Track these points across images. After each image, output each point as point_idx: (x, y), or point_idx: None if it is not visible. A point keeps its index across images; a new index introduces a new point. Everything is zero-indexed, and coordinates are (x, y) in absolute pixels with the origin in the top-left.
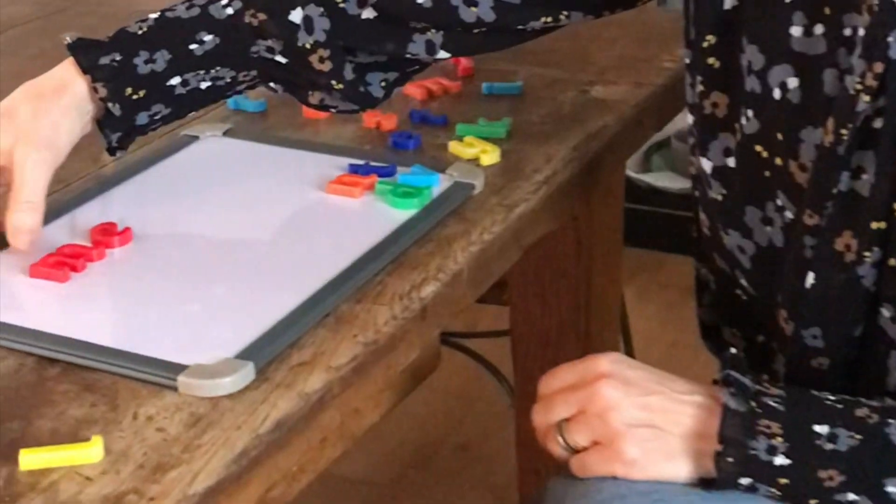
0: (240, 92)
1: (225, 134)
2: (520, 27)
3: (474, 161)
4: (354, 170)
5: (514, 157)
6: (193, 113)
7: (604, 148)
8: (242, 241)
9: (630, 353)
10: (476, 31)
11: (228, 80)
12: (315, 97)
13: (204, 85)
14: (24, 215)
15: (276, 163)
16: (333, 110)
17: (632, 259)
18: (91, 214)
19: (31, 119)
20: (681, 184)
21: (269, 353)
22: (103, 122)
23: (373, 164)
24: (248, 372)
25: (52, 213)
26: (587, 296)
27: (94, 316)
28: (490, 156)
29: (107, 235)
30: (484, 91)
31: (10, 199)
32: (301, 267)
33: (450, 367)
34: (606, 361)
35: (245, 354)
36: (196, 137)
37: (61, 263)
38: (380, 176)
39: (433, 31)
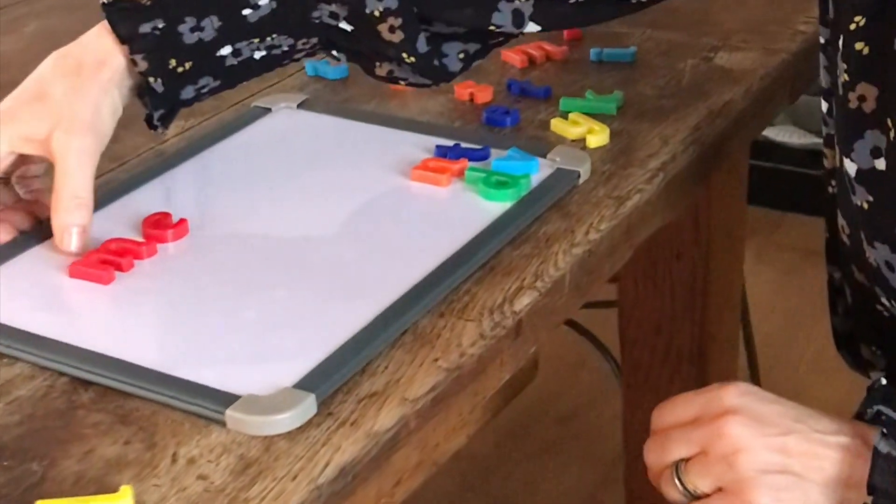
0: (297, 60)
1: (300, 106)
2: None
3: (580, 143)
4: (442, 152)
5: (626, 138)
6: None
7: (729, 126)
8: (311, 237)
9: (746, 324)
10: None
11: (286, 48)
12: (383, 69)
13: (258, 55)
14: (72, 213)
15: (354, 142)
16: (403, 83)
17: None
18: (145, 200)
19: (67, 100)
20: (804, 139)
21: (335, 381)
22: (144, 96)
23: (463, 145)
24: (308, 406)
25: (102, 199)
26: (704, 281)
27: (137, 329)
28: (598, 136)
29: (159, 228)
30: (592, 58)
31: (54, 196)
32: (375, 272)
33: (553, 335)
34: (734, 393)
35: (306, 383)
36: (268, 110)
37: (105, 262)
38: (471, 160)
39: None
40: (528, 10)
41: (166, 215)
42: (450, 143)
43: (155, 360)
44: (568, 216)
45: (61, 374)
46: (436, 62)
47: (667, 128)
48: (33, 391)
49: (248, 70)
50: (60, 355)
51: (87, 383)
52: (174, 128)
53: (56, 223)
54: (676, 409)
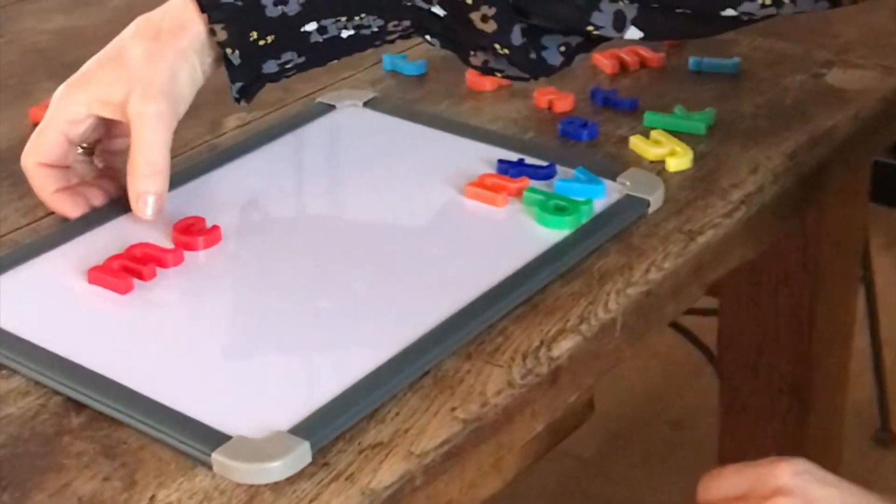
0: (391, 41)
1: (366, 104)
2: (727, 10)
3: (658, 165)
4: (504, 168)
5: (711, 162)
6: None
7: (832, 155)
8: (346, 255)
9: (876, 343)
10: (678, 9)
11: (375, 29)
12: (478, 58)
13: (345, 34)
14: (146, 181)
15: (415, 148)
16: (499, 74)
17: (886, 221)
18: (185, 201)
19: (144, 64)
20: None
21: (335, 428)
22: (226, 68)
23: (528, 160)
24: (301, 454)
25: None
26: (811, 310)
27: (141, 348)
28: (679, 160)
29: (190, 234)
30: (691, 67)
31: (130, 161)
32: (403, 302)
33: (669, 337)
34: (789, 472)
35: (302, 428)
36: (332, 107)
37: (125, 270)
38: (533, 179)
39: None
40: (630, 13)
41: (199, 220)
42: (514, 157)
43: (153, 387)
44: (629, 250)
45: (56, 392)
46: (532, 55)
47: (759, 153)
48: (24, 409)
49: (335, 48)
50: (56, 372)
51: (80, 405)
52: (235, 119)
53: (131, 190)
54: (726, 482)
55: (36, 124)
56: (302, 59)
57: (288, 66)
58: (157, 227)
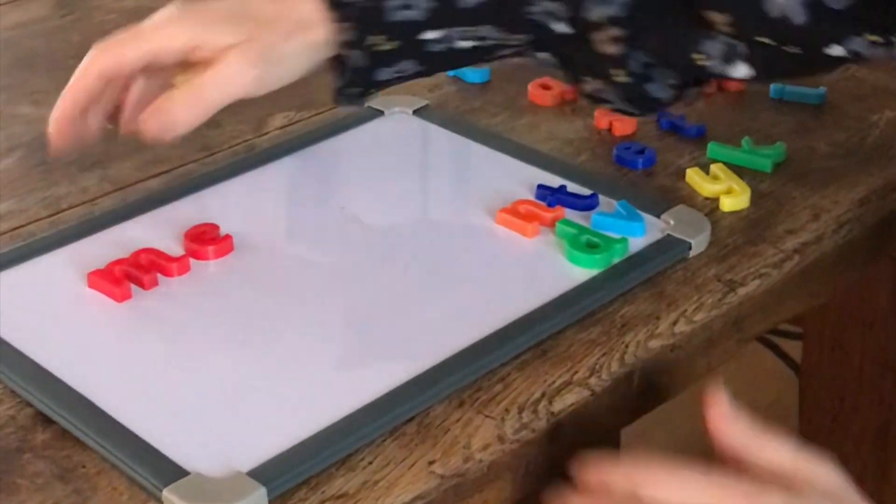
0: (503, 58)
1: (416, 112)
2: (832, 48)
3: (713, 203)
4: (542, 195)
5: (770, 204)
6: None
7: None
8: (353, 279)
9: None
10: (785, 47)
11: (493, 42)
12: (590, 85)
13: (465, 44)
14: (183, 106)
15: (456, 164)
16: (608, 106)
17: None
18: (207, 205)
19: (258, 24)
20: None
21: (297, 475)
22: (335, 67)
23: (571, 187)
24: (255, 501)
25: (162, 198)
26: None
27: (123, 365)
28: (735, 199)
29: (201, 242)
30: (772, 94)
31: (180, 89)
32: (401, 336)
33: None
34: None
35: (262, 472)
36: (380, 112)
37: (126, 276)
38: (572, 209)
39: (735, 33)
40: (742, 50)
41: (212, 227)
42: (557, 182)
43: (123, 409)
44: (659, 297)
45: (29, 403)
46: (646, 85)
47: (825, 197)
48: None
49: (451, 59)
50: (29, 382)
51: (48, 420)
52: (280, 119)
53: (160, 107)
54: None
55: None
56: (418, 68)
57: (402, 75)
58: (169, 233)
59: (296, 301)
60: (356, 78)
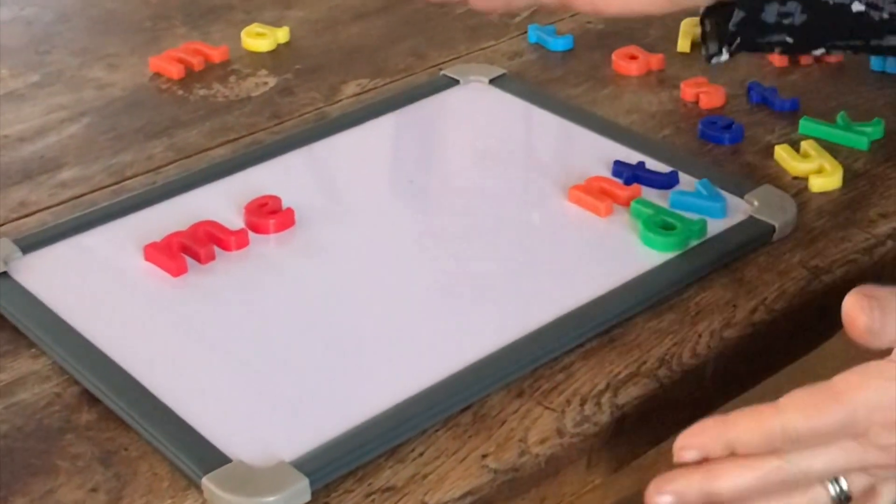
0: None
1: (492, 81)
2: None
3: (801, 181)
4: (619, 171)
5: (863, 185)
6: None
7: None
8: (417, 257)
9: None
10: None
11: (886, 16)
12: None
13: (856, 7)
14: None
15: (531, 137)
16: None
17: None
18: (270, 175)
19: None
20: None
21: (341, 465)
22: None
23: (649, 164)
24: (298, 492)
25: (225, 169)
26: None
27: (174, 344)
28: (826, 179)
29: (260, 216)
30: (873, 67)
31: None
32: (460, 323)
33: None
34: None
35: (306, 462)
36: (456, 81)
37: (183, 248)
38: (650, 186)
39: None
40: None
41: (275, 200)
42: (634, 158)
43: (171, 390)
44: (737, 284)
45: (76, 381)
46: None
47: None
48: (38, 397)
49: (833, 20)
50: (79, 360)
51: (94, 399)
52: (354, 86)
53: None
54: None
55: (155, 75)
56: (802, 18)
57: (785, 21)
58: (231, 204)
59: (354, 281)
60: (742, 30)
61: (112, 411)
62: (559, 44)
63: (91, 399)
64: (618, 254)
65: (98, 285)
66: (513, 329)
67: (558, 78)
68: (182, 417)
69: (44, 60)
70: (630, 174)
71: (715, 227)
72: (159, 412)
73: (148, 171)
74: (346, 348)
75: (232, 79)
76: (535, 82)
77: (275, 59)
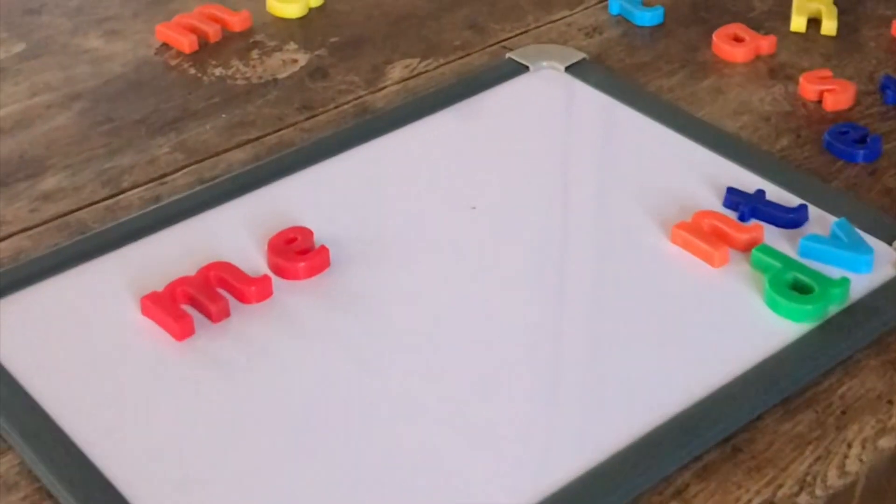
0: None
1: (569, 68)
2: None
3: None
4: (733, 202)
5: None
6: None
7: None
8: (474, 320)
9: None
10: None
11: None
12: None
13: None
14: None
15: (619, 146)
16: None
17: None
18: (299, 194)
19: None
20: None
21: None
22: None
23: (770, 195)
24: None
25: (246, 179)
26: None
27: (178, 446)
28: None
29: (289, 256)
30: None
31: None
32: (535, 437)
33: None
34: None
35: None
36: (525, 68)
37: (190, 301)
38: (772, 224)
39: None
40: None
41: (305, 233)
42: (751, 182)
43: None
44: (893, 368)
45: (44, 488)
46: None
47: None
48: None
49: None
50: (51, 465)
51: None
52: (401, 69)
53: None
54: None
55: (163, 46)
56: None
57: None
58: (251, 234)
59: (415, 348)
60: None
61: None
62: (647, 17)
63: None
64: (738, 324)
65: (80, 352)
66: (601, 442)
67: (648, 63)
68: None
69: (33, 23)
70: (748, 208)
71: (859, 285)
72: None
73: (150, 181)
74: (403, 447)
75: (254, 53)
76: (619, 69)
77: (305, 27)
